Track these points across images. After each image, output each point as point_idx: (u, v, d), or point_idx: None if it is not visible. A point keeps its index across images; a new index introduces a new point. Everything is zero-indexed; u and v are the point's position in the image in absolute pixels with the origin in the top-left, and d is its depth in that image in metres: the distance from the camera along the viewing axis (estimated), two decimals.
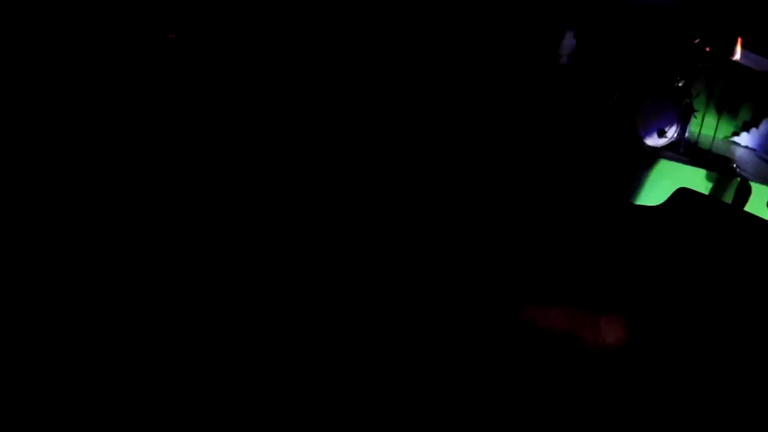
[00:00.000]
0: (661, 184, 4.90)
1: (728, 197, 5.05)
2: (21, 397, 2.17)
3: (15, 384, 2.21)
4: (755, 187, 4.89)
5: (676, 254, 3.16)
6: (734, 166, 5.14)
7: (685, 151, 5.25)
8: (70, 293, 2.55)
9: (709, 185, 5.16)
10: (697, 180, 5.05)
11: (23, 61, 3.25)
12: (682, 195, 3.71)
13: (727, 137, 6.32)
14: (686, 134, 5.24)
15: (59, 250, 2.72)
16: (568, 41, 5.57)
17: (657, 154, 5.05)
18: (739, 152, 6.02)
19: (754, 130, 6.36)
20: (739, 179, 4.97)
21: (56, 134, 3.23)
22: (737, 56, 5.12)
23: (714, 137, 5.42)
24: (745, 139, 6.38)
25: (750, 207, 4.78)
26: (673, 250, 3.21)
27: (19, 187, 2.97)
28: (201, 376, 2.34)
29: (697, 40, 5.17)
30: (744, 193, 4.82)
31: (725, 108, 5.94)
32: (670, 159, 5.11)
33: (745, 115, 6.36)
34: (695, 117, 5.25)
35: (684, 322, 2.93)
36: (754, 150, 6.32)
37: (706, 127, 5.57)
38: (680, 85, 5.09)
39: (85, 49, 3.37)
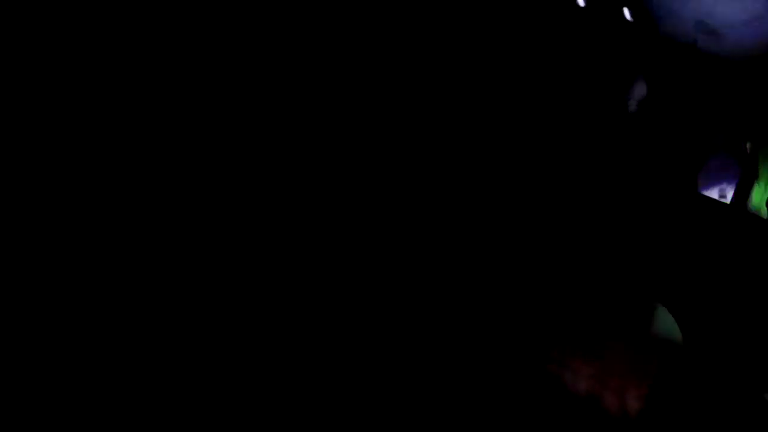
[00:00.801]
0: None
1: None
2: (21, 396, 2.17)
3: (15, 384, 2.20)
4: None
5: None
6: None
7: None
8: (71, 293, 2.53)
9: None
10: None
11: (24, 61, 3.26)
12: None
13: None
14: (747, 200, 5.06)
15: (60, 250, 2.71)
16: (639, 87, 5.44)
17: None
18: None
19: None
20: None
21: (57, 134, 3.23)
22: None
23: None
24: None
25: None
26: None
27: (20, 186, 2.96)
28: (201, 376, 2.31)
29: None
30: (744, 193, 4.61)
31: None
32: None
33: None
34: (759, 184, 5.06)
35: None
36: None
37: None
38: (747, 147, 4.92)
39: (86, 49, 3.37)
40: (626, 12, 4.85)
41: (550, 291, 3.33)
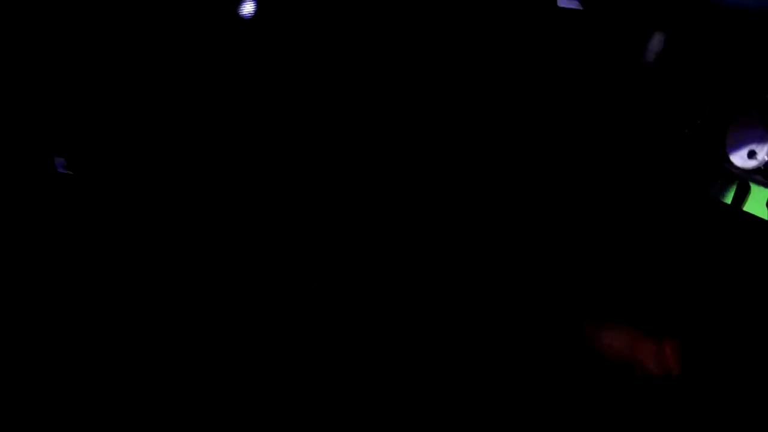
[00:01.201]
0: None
1: None
2: (21, 397, 2.18)
3: (15, 384, 2.21)
4: (755, 188, 4.59)
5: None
6: None
7: None
8: (71, 293, 2.51)
9: None
10: None
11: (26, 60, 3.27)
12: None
13: None
14: None
15: (60, 251, 2.69)
16: (656, 42, 5.30)
17: (744, 177, 4.74)
18: None
19: None
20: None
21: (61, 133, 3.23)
22: None
23: None
24: None
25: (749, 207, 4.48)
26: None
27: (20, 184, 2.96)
28: (201, 377, 2.30)
29: None
30: (743, 193, 4.50)
31: None
32: (758, 183, 4.82)
33: None
34: None
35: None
36: None
37: None
38: None
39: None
40: None
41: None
